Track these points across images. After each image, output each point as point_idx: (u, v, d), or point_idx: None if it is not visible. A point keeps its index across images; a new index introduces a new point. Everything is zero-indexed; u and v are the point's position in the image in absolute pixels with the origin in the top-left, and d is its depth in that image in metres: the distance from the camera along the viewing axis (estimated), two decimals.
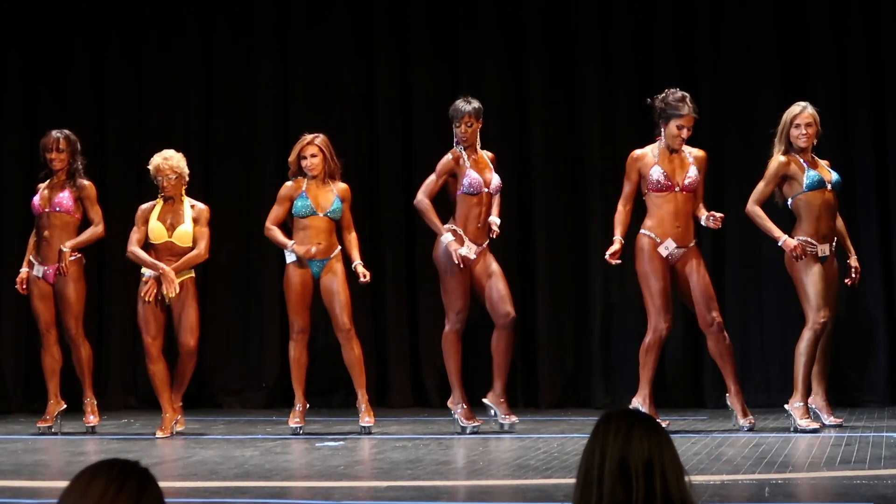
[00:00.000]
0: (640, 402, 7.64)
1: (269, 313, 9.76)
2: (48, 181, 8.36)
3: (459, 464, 6.83)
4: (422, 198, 7.96)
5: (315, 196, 8.04)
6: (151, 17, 10.04)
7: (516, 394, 9.58)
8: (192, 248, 8.13)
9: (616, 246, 7.72)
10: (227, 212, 9.42)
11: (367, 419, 8.01)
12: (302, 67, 10.00)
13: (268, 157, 9.80)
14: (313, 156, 8.03)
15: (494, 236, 7.99)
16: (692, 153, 7.80)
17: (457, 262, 7.85)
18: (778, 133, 7.74)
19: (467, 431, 7.85)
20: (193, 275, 8.22)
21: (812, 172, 7.70)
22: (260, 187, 9.68)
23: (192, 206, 8.18)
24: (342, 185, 8.14)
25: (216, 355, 9.63)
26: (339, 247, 8.12)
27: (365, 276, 8.05)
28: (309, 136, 8.08)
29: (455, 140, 8.00)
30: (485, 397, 8.07)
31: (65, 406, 8.36)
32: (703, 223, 7.75)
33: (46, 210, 8.27)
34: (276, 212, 8.11)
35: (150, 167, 8.12)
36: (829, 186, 7.69)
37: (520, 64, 9.72)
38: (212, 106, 10.05)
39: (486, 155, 8.08)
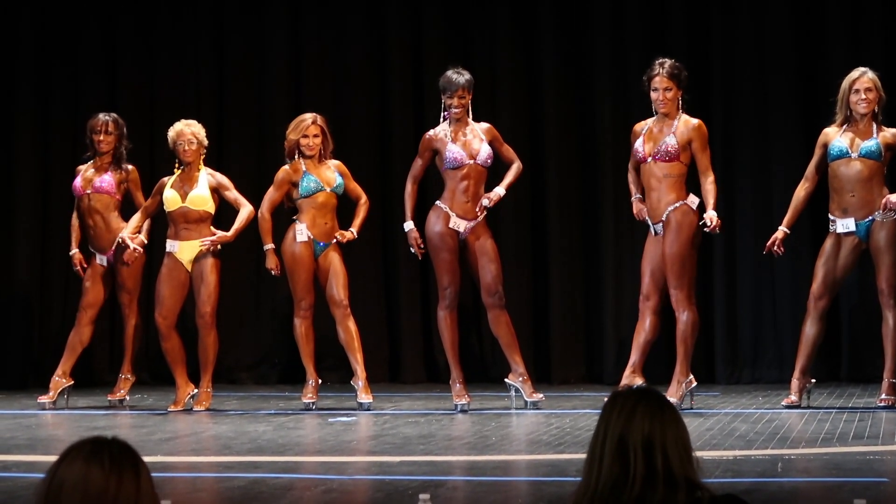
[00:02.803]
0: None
1: (281, 289, 9.73)
2: (91, 162, 8.45)
3: (472, 439, 6.83)
4: (406, 183, 7.95)
5: (317, 174, 8.03)
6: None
7: (529, 370, 9.59)
8: (206, 213, 8.12)
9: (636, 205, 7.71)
10: (237, 188, 9.39)
11: (364, 396, 7.97)
12: (314, 44, 9.97)
13: (278, 134, 9.68)
14: (315, 136, 8.00)
15: (480, 214, 7.82)
16: (684, 122, 7.54)
17: (414, 252, 7.87)
18: (839, 101, 7.55)
19: (457, 409, 7.80)
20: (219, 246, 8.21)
21: (837, 140, 7.51)
22: (271, 163, 9.62)
23: (211, 175, 8.17)
24: (337, 162, 8.15)
25: (229, 331, 9.62)
26: (338, 232, 8.10)
27: (343, 236, 8.01)
28: (309, 117, 8.05)
29: (444, 111, 7.87)
30: (507, 377, 8.03)
31: (72, 382, 8.40)
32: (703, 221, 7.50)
33: (88, 191, 8.38)
34: (273, 196, 8.08)
35: (170, 133, 8.11)
36: (853, 156, 7.49)
37: (532, 41, 9.69)
38: (223, 82, 10.02)
39: (480, 127, 7.90)
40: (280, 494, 5.23)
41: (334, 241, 8.04)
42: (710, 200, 7.51)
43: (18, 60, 9.86)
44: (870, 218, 7.49)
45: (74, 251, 8.46)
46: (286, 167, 8.06)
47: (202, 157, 8.18)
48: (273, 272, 8.11)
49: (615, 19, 9.52)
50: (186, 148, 8.05)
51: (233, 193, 8.19)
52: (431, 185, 8.42)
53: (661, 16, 9.49)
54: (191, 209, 8.09)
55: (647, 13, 9.49)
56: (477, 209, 7.80)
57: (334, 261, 8.05)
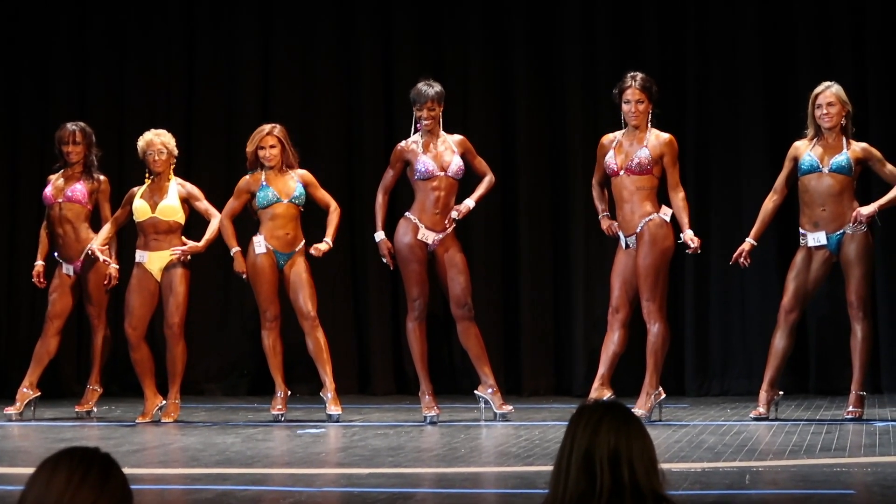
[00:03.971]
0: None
1: (250, 300, 9.70)
2: (61, 172, 8.40)
3: (441, 451, 6.82)
4: (378, 194, 7.93)
5: (276, 184, 7.98)
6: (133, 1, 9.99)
7: (498, 381, 9.58)
8: (176, 224, 8.07)
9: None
10: (207, 197, 9.36)
11: (333, 408, 7.97)
12: (283, 53, 9.97)
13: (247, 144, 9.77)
14: (272, 146, 7.95)
15: (449, 226, 7.77)
16: (655, 136, 7.58)
17: (386, 262, 7.88)
18: (808, 115, 7.57)
19: (426, 421, 7.79)
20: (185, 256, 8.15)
21: (808, 155, 7.53)
22: (241, 173, 9.61)
23: (181, 185, 8.11)
24: (302, 171, 8.09)
25: (198, 342, 9.59)
26: (304, 240, 8.05)
27: (317, 250, 7.96)
28: (267, 127, 8.01)
29: (415, 124, 7.87)
30: (476, 389, 8.02)
31: (39, 393, 8.34)
32: (681, 240, 7.52)
33: (60, 200, 8.32)
34: (233, 205, 8.07)
35: (140, 142, 8.06)
36: (824, 170, 7.49)
37: (503, 52, 9.72)
38: (192, 91, 10.00)
39: (453, 139, 7.88)
40: None
41: (298, 249, 8.00)
42: (685, 219, 7.54)
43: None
44: (840, 231, 7.51)
45: (40, 263, 8.41)
46: (246, 177, 8.07)
47: (172, 167, 8.14)
48: (242, 276, 8.05)
49: (586, 32, 9.56)
50: (156, 158, 8.01)
51: (203, 204, 8.16)
52: (403, 195, 8.41)
53: (632, 30, 9.53)
54: (160, 219, 8.04)
55: (619, 27, 9.53)
56: (446, 221, 7.79)
57: (300, 271, 8.01)
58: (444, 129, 7.92)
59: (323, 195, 8.12)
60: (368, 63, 9.86)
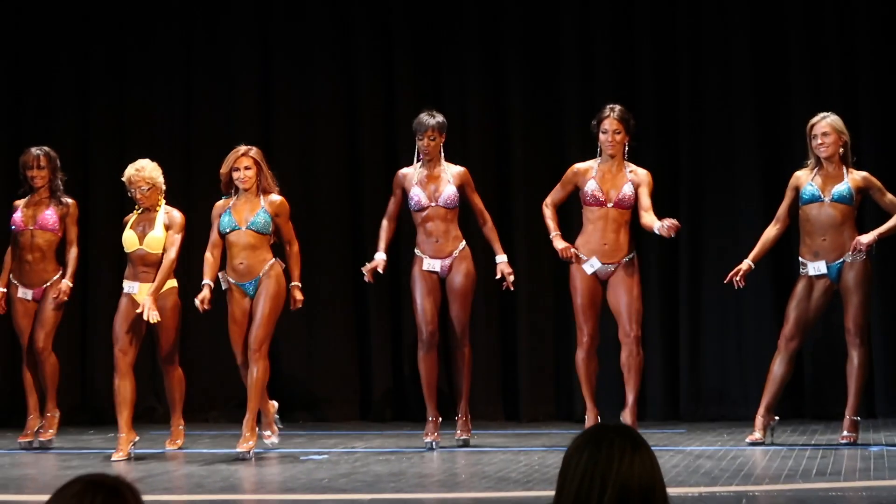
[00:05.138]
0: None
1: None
2: (28, 198, 8.24)
3: (442, 477, 6.85)
4: (383, 220, 7.99)
5: (240, 211, 7.57)
6: (133, 28, 10.03)
7: (497, 407, 9.63)
8: (163, 255, 7.76)
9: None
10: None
11: (249, 443, 7.46)
12: (282, 82, 10.01)
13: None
14: (247, 168, 7.54)
15: (512, 278, 7.98)
16: (632, 171, 7.73)
17: (366, 279, 7.92)
18: (808, 145, 7.62)
19: (426, 447, 7.83)
20: (175, 284, 7.95)
21: (809, 185, 7.55)
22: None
23: (167, 213, 7.82)
24: (276, 198, 7.60)
25: (200, 370, 9.61)
26: (271, 262, 7.57)
27: (296, 303, 7.69)
28: (242, 148, 7.62)
29: (417, 153, 7.93)
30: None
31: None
32: (656, 231, 7.61)
33: (31, 227, 8.16)
34: (211, 234, 7.67)
35: (123, 177, 7.81)
36: (825, 200, 7.51)
37: (500, 83, 9.77)
38: (191, 120, 10.04)
39: (452, 170, 7.89)
40: None
41: (263, 273, 7.52)
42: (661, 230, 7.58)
43: None
44: (840, 260, 7.53)
45: (1, 290, 8.20)
46: (219, 202, 7.71)
47: (161, 197, 7.85)
48: (200, 305, 7.54)
49: (582, 65, 9.61)
50: (139, 195, 7.73)
51: (171, 236, 7.77)
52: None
53: (626, 62, 9.59)
54: (148, 252, 7.77)
55: (614, 60, 9.58)
56: (509, 287, 7.96)
57: (259, 300, 7.53)
58: (445, 160, 7.96)
59: (288, 230, 7.65)
60: (368, 93, 9.90)
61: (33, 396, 8.27)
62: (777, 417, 7.81)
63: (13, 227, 8.22)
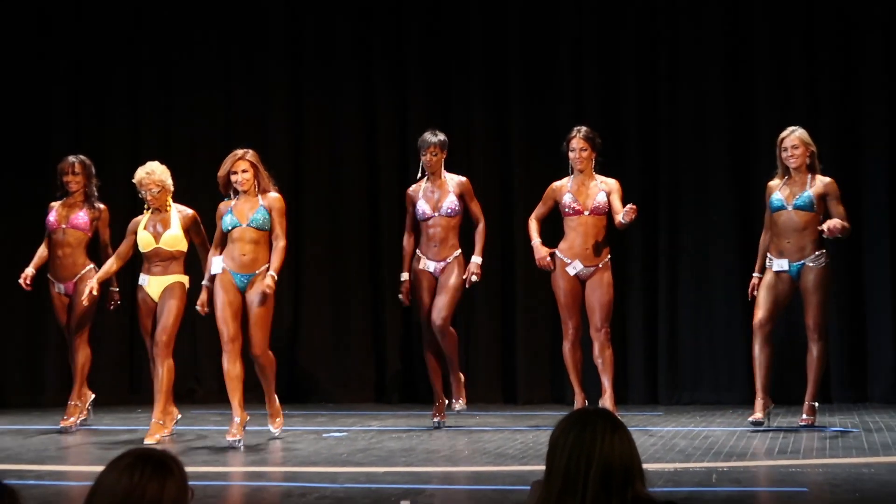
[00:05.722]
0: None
1: (287, 316, 9.75)
2: (63, 200, 8.04)
3: (447, 452, 6.84)
4: (404, 236, 7.91)
5: (241, 210, 7.13)
6: (179, 59, 10.04)
7: (497, 391, 9.62)
8: (179, 252, 7.45)
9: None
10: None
11: (234, 435, 7.05)
12: (313, 113, 9.99)
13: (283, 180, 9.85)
14: (244, 171, 7.10)
15: (468, 285, 7.76)
16: (603, 181, 7.72)
17: (404, 303, 7.89)
18: (777, 157, 7.53)
19: (433, 425, 7.84)
20: (182, 280, 7.49)
21: (776, 194, 7.47)
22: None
23: (180, 212, 7.49)
24: (273, 195, 7.17)
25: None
26: (267, 264, 7.11)
27: (265, 285, 6.97)
28: (239, 152, 7.16)
29: (421, 167, 7.85)
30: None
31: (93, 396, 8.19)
32: (621, 219, 7.47)
33: (63, 226, 7.98)
34: (216, 235, 7.23)
35: (134, 178, 7.44)
36: (789, 207, 7.42)
37: (503, 105, 9.76)
38: (228, 140, 10.03)
39: (454, 180, 7.80)
40: (280, 501, 5.23)
41: (258, 272, 7.07)
42: (624, 216, 7.48)
43: (53, 109, 9.87)
44: (801, 262, 7.45)
45: (31, 270, 7.94)
46: (222, 203, 7.23)
47: (169, 198, 7.49)
48: (199, 308, 7.23)
49: (576, 93, 9.60)
50: (150, 197, 7.40)
51: (200, 237, 7.48)
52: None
53: (613, 89, 9.57)
54: (164, 249, 7.44)
55: (603, 88, 9.57)
56: (466, 284, 7.78)
57: (254, 302, 7.05)
58: (451, 172, 7.94)
59: (278, 225, 7.13)
60: (385, 121, 9.90)
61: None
62: (773, 404, 7.63)
63: (47, 226, 8.06)
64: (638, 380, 9.40)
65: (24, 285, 7.95)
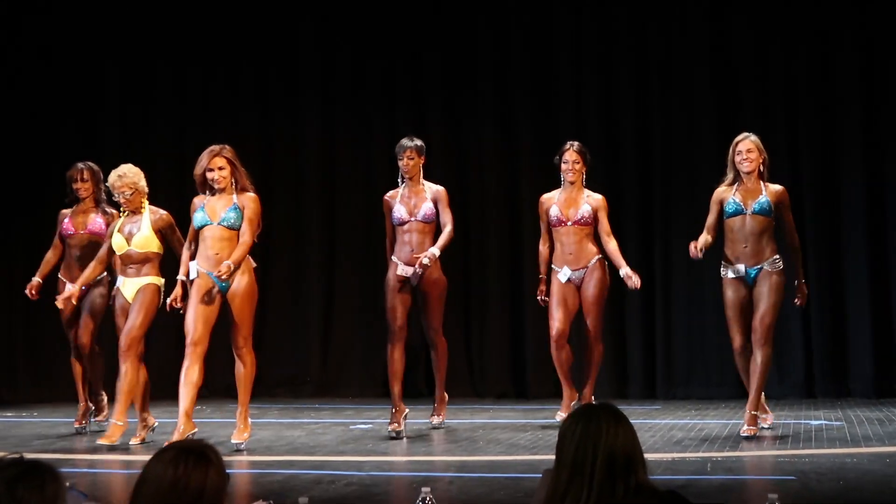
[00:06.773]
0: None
1: (316, 312, 9.77)
2: (74, 207, 7.59)
3: (464, 443, 6.82)
4: (387, 242, 7.49)
5: (213, 208, 6.46)
6: (206, 78, 10.06)
7: (509, 386, 9.59)
8: (153, 254, 6.85)
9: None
10: (278, 243, 9.40)
11: (244, 435, 6.56)
12: (345, 137, 10.02)
13: (312, 200, 9.86)
14: (220, 168, 6.43)
15: (420, 269, 7.13)
16: (589, 195, 7.51)
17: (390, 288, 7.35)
18: (728, 162, 7.05)
19: (390, 434, 7.06)
20: (156, 282, 6.86)
21: (732, 200, 6.97)
22: (302, 235, 9.77)
23: (153, 213, 6.87)
24: (249, 195, 6.48)
25: (270, 351, 9.58)
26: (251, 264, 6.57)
27: (219, 272, 6.30)
28: (216, 148, 6.48)
29: (400, 174, 7.44)
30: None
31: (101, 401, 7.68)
32: (621, 274, 7.28)
33: (81, 231, 7.51)
34: (190, 231, 6.59)
35: (107, 184, 6.89)
36: (747, 212, 6.94)
37: (511, 119, 9.78)
38: (268, 160, 10.08)
39: (431, 188, 7.31)
40: (310, 487, 5.23)
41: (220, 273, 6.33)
42: (622, 260, 7.35)
43: (102, 112, 9.90)
44: (759, 266, 6.93)
45: (37, 280, 7.46)
46: (196, 198, 6.55)
47: (144, 200, 6.88)
48: (171, 302, 6.49)
49: (578, 110, 9.61)
50: (123, 200, 6.82)
51: (177, 236, 6.86)
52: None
53: (613, 106, 9.58)
54: (135, 251, 6.82)
55: (602, 105, 9.58)
56: (417, 266, 7.19)
57: (236, 297, 6.45)
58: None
59: (248, 223, 6.45)
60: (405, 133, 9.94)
61: (84, 386, 7.60)
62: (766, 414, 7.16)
63: (65, 233, 7.56)
64: (637, 376, 9.37)
65: (30, 295, 7.47)
